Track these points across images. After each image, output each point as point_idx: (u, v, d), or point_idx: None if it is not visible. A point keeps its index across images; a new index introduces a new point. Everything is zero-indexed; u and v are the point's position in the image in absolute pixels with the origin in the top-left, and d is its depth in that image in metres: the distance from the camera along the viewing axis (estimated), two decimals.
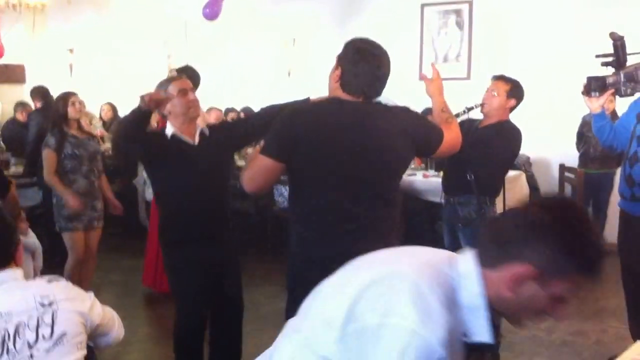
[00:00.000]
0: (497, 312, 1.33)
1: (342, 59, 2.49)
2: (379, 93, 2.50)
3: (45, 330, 1.98)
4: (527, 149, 6.34)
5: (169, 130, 3.08)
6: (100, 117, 8.78)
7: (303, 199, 2.48)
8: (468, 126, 3.66)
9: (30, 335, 1.96)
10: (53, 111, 4.65)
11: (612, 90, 3.36)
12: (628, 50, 3.35)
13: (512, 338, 4.22)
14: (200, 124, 3.18)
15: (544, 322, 4.51)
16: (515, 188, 5.58)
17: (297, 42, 7.89)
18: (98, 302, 2.23)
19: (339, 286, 1.36)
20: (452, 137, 2.63)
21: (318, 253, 2.39)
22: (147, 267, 5.24)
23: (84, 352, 2.11)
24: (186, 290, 3.13)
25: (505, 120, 3.79)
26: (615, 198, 5.97)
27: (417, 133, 2.49)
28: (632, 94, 3.38)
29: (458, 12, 6.85)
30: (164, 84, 3.13)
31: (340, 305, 1.29)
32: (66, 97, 4.59)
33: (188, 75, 4.93)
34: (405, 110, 2.60)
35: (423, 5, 7.02)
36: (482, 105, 3.75)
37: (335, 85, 2.50)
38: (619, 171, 5.91)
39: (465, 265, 1.32)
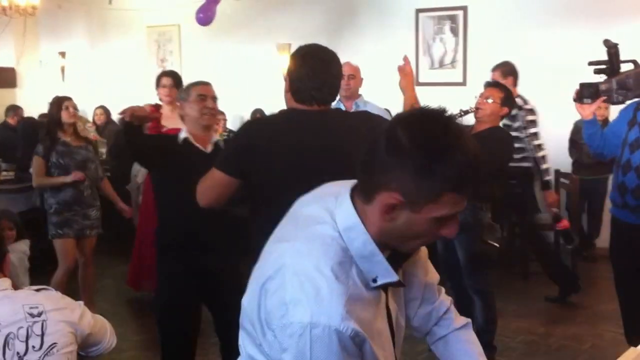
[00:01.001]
0: (389, 247, 1.29)
1: (288, 69, 2.43)
2: (331, 97, 2.42)
3: (35, 341, 1.96)
4: None
5: (183, 134, 3.07)
6: (94, 122, 8.73)
7: (262, 212, 2.36)
8: None
9: (20, 347, 1.94)
10: (48, 116, 4.63)
11: (604, 98, 3.35)
12: (620, 58, 3.36)
13: (508, 343, 4.24)
14: (216, 135, 3.19)
15: (540, 327, 4.52)
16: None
17: (292, 48, 7.88)
18: (88, 311, 2.21)
19: (247, 292, 1.37)
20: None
21: None
22: (131, 268, 5.23)
23: None
24: (175, 295, 3.06)
25: (496, 126, 3.81)
26: (608, 203, 6.02)
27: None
28: (623, 102, 3.38)
29: (453, 18, 6.87)
30: (188, 87, 3.14)
31: (251, 315, 1.31)
32: (59, 101, 4.48)
33: (175, 80, 4.95)
34: (369, 115, 2.56)
35: (418, 12, 7.03)
36: (476, 109, 3.77)
37: (288, 97, 2.44)
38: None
39: (345, 217, 1.27)
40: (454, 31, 6.87)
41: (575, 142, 5.97)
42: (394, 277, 1.29)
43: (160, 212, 3.17)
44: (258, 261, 1.39)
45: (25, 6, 8.26)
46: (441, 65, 6.82)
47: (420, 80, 6.87)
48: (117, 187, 6.94)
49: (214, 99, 3.12)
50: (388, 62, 7.75)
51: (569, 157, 6.11)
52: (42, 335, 1.98)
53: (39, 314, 2.00)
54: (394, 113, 6.15)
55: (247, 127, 2.53)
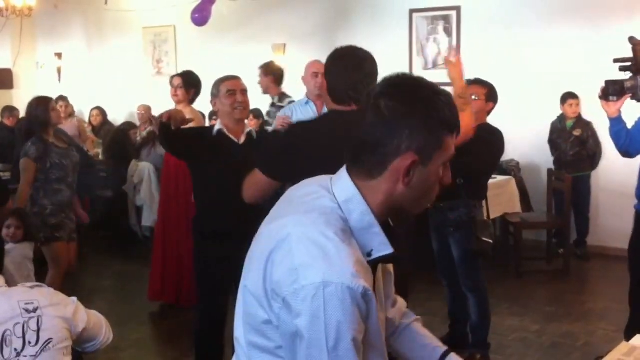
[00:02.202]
0: (394, 213, 1.35)
1: (325, 71, 2.52)
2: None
3: (31, 337, 2.00)
4: (516, 154, 6.42)
5: (217, 126, 3.23)
6: (90, 122, 8.75)
7: None
8: None
9: (17, 343, 1.97)
10: (32, 118, 4.30)
11: (629, 95, 3.25)
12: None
13: (502, 340, 4.27)
14: (250, 126, 3.33)
15: (533, 325, 4.56)
16: (505, 192, 5.64)
17: (288, 48, 7.92)
18: (82, 307, 2.23)
19: (247, 274, 1.38)
20: (461, 127, 2.63)
21: None
22: (152, 279, 5.04)
23: (70, 358, 2.11)
24: (211, 281, 3.20)
25: (484, 123, 3.81)
26: (595, 201, 6.07)
27: None
28: None
29: (446, 19, 6.91)
30: (217, 83, 3.27)
31: (256, 292, 1.30)
32: (45, 101, 4.31)
33: (187, 80, 4.98)
34: None
35: (412, 12, 7.07)
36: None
37: (327, 99, 2.51)
38: (594, 174, 6.03)
39: (343, 190, 1.33)
40: (448, 31, 6.90)
41: (554, 141, 6.04)
42: (389, 248, 1.31)
43: (199, 202, 3.31)
44: (253, 244, 1.41)
45: (22, 7, 8.28)
46: (435, 65, 6.85)
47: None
48: (113, 188, 7.03)
49: (244, 92, 3.25)
50: (382, 62, 7.78)
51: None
52: (38, 330, 2.01)
53: (35, 310, 2.03)
54: None
55: (289, 130, 2.63)
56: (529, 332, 4.47)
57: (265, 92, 5.78)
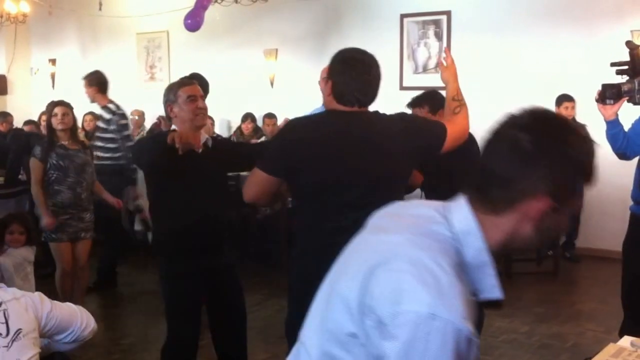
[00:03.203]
0: (505, 251, 1.27)
1: (331, 71, 2.50)
2: (372, 98, 2.49)
3: (1, 329, 2.07)
4: None
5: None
6: (83, 127, 8.77)
7: (305, 208, 2.49)
8: None
9: None
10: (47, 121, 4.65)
11: (626, 98, 3.28)
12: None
13: (491, 341, 4.30)
14: (205, 134, 3.10)
15: (523, 326, 4.60)
16: None
17: (279, 53, 7.96)
18: (47, 299, 2.31)
19: (340, 277, 1.29)
20: (455, 130, 2.61)
21: (317, 265, 2.41)
22: None
23: (39, 349, 2.17)
24: (181, 301, 3.05)
25: None
26: (586, 201, 6.10)
27: (418, 136, 2.49)
28: None
29: (437, 23, 6.96)
30: (174, 88, 3.05)
31: (348, 300, 1.21)
32: (49, 107, 4.58)
33: (198, 83, 5.00)
34: (402, 116, 2.63)
35: (403, 17, 7.12)
36: None
37: (329, 99, 2.52)
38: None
39: (462, 220, 1.23)
40: (438, 36, 6.96)
41: None
42: (499, 293, 1.23)
43: (156, 217, 3.14)
44: (352, 248, 1.34)
45: (16, 14, 8.32)
46: (425, 69, 6.90)
47: (405, 84, 6.96)
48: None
49: (202, 97, 3.06)
50: None
51: None
52: (7, 322, 2.08)
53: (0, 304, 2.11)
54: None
55: (290, 126, 2.59)
56: (518, 333, 4.50)
57: (93, 101, 5.82)
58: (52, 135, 4.47)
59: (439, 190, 3.80)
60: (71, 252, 4.52)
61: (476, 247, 1.21)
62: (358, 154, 2.38)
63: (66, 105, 4.53)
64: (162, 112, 5.33)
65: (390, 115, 2.58)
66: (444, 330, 1.10)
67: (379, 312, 1.15)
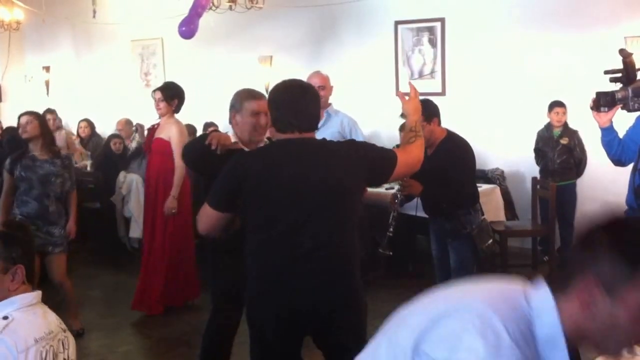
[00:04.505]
0: (581, 343, 1.27)
1: (268, 105, 2.59)
2: (309, 124, 2.52)
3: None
4: (501, 163, 6.49)
5: (232, 139, 3.16)
6: (78, 134, 8.77)
7: (256, 238, 2.50)
8: None
9: None
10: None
11: (620, 106, 3.31)
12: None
13: None
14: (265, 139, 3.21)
15: None
16: (490, 202, 5.70)
17: (274, 60, 7.98)
18: None
19: (410, 317, 1.34)
20: (407, 157, 2.66)
21: (270, 289, 2.45)
22: (139, 290, 5.11)
23: None
24: (229, 289, 3.28)
25: (445, 136, 3.88)
26: (578, 208, 6.13)
27: (363, 163, 2.52)
28: (639, 109, 3.36)
29: (431, 30, 7.00)
30: (241, 97, 3.16)
31: (407, 338, 1.26)
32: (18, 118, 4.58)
33: (170, 93, 5.02)
34: (349, 143, 2.67)
35: (397, 23, 7.15)
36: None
37: (272, 131, 2.60)
38: (579, 182, 6.09)
39: (539, 295, 1.27)
40: (432, 42, 6.99)
41: (540, 150, 6.11)
42: None
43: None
44: (416, 307, 1.37)
45: (10, 21, 8.31)
46: (420, 75, 6.93)
47: (400, 90, 6.97)
48: (101, 199, 7.04)
49: (267, 114, 2.98)
50: (368, 73, 7.88)
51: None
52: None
53: None
54: (369, 122, 6.25)
55: (234, 162, 2.59)
56: None
57: None
58: (25, 146, 4.45)
59: (436, 196, 3.87)
60: (39, 264, 4.25)
61: (548, 322, 1.23)
62: (305, 180, 2.41)
63: (30, 114, 4.49)
64: (157, 119, 5.35)
65: (338, 142, 2.64)
66: None
67: (433, 354, 1.19)
